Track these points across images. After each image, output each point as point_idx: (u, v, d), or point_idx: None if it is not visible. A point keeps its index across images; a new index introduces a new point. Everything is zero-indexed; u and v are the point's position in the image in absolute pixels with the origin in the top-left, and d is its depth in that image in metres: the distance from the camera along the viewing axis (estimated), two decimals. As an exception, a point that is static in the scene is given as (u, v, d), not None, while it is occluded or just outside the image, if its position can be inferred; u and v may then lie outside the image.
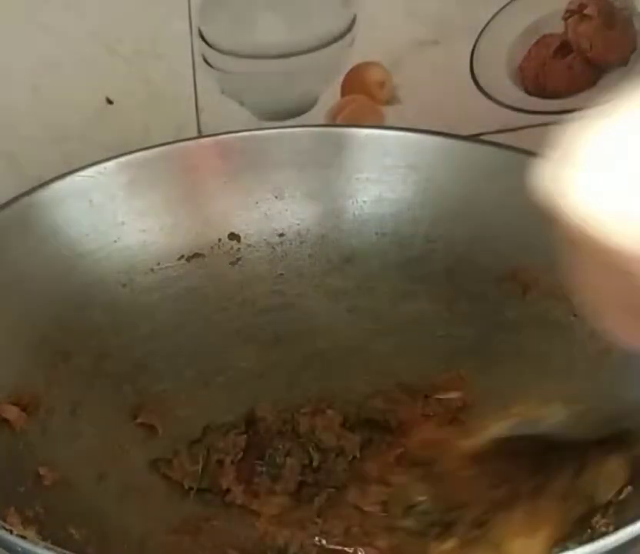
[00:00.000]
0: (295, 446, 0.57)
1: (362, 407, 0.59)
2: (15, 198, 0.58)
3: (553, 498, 0.48)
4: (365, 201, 0.63)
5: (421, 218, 0.62)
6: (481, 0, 0.70)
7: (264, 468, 0.57)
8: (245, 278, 0.63)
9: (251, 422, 0.59)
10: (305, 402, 0.60)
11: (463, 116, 0.70)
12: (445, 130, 0.63)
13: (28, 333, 0.56)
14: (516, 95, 0.74)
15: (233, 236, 0.63)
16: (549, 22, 0.72)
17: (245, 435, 0.58)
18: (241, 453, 0.57)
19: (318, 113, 0.71)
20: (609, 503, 0.48)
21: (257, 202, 0.63)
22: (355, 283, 0.63)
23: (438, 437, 0.55)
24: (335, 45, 0.69)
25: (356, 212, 0.63)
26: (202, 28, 0.67)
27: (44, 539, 0.46)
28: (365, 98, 0.72)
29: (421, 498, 0.52)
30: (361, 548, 0.53)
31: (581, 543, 0.41)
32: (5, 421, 0.52)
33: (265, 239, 0.63)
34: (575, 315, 0.58)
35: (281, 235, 0.63)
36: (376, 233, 0.63)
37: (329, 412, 0.59)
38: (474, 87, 0.72)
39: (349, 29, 0.69)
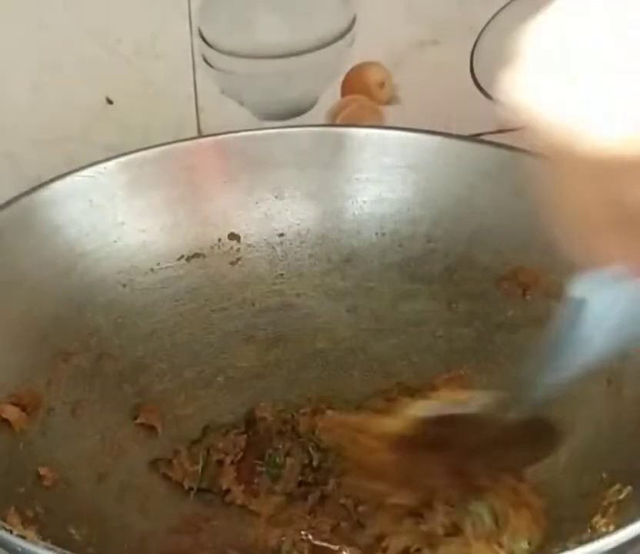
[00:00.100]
0: (295, 446, 0.57)
1: (362, 407, 0.59)
2: (15, 198, 0.58)
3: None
4: (364, 201, 0.63)
5: (421, 218, 0.62)
6: (481, 0, 0.70)
7: (264, 468, 0.57)
8: (244, 278, 0.63)
9: (251, 422, 0.59)
10: (304, 402, 0.60)
11: (463, 116, 0.70)
12: (445, 130, 0.63)
13: (28, 333, 0.56)
14: (516, 95, 0.73)
15: (233, 236, 0.63)
16: (549, 22, 0.72)
17: (245, 435, 0.58)
18: (241, 453, 0.57)
19: (318, 113, 0.71)
20: (609, 503, 0.48)
21: (257, 202, 0.63)
22: (355, 283, 0.63)
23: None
24: (334, 45, 0.69)
25: (356, 212, 0.63)
26: (202, 28, 0.67)
27: (44, 539, 0.46)
28: (365, 98, 0.72)
29: None
30: (346, 548, 0.53)
31: (581, 543, 0.41)
32: (5, 421, 0.52)
33: (264, 239, 0.63)
34: (575, 315, 0.58)
35: (281, 235, 0.63)
36: (376, 233, 0.63)
37: (329, 412, 0.59)
38: (474, 87, 0.72)
39: (349, 29, 0.69)
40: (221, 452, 0.57)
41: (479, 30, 0.71)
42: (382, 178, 0.63)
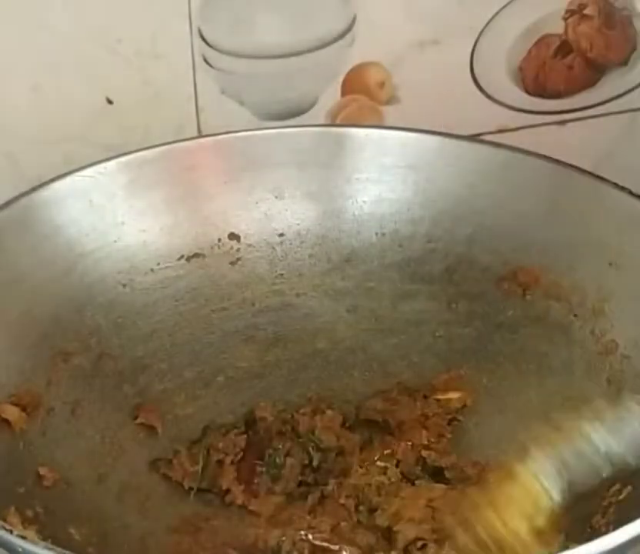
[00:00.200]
0: (295, 446, 0.57)
1: (362, 407, 0.59)
2: (15, 198, 0.58)
3: None
4: (364, 201, 0.63)
5: (421, 218, 0.62)
6: (481, 0, 0.70)
7: (264, 468, 0.57)
8: (244, 278, 0.63)
9: (251, 422, 0.59)
10: (304, 402, 0.60)
11: (463, 116, 0.70)
12: (445, 130, 0.63)
13: (28, 333, 0.56)
14: (516, 95, 0.74)
15: (233, 236, 0.63)
16: (549, 22, 0.72)
17: (245, 435, 0.58)
18: (241, 453, 0.57)
19: (318, 113, 0.71)
20: (609, 503, 0.48)
21: (257, 202, 0.63)
22: (355, 283, 0.63)
23: None
24: (334, 45, 0.69)
25: (356, 212, 0.63)
26: (202, 28, 0.67)
27: (44, 539, 0.45)
28: (365, 98, 0.72)
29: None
30: (346, 547, 0.53)
31: (581, 543, 0.41)
32: (5, 421, 0.52)
33: (265, 239, 0.63)
34: (575, 315, 0.58)
35: (281, 235, 0.63)
36: (376, 233, 0.63)
37: (329, 412, 0.59)
38: (474, 87, 0.72)
39: (349, 29, 0.69)
40: (221, 452, 0.57)
41: (479, 30, 0.71)
42: (382, 178, 0.63)
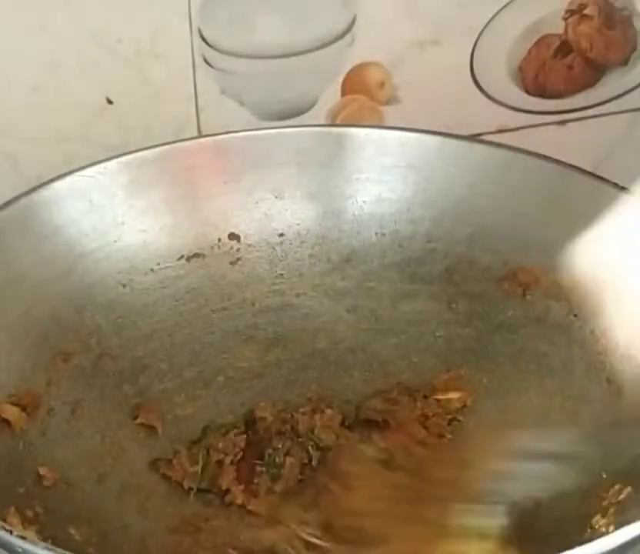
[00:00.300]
0: (295, 446, 0.57)
1: (362, 407, 0.59)
2: (15, 198, 0.58)
3: None
4: (364, 201, 0.63)
5: (421, 218, 0.62)
6: (481, 0, 0.70)
7: (263, 468, 0.57)
8: (245, 278, 0.63)
9: (250, 422, 0.59)
10: (304, 402, 0.60)
11: (463, 116, 0.70)
12: (445, 130, 0.63)
13: (28, 333, 0.56)
14: (516, 95, 0.74)
15: (233, 236, 0.63)
16: (549, 22, 0.72)
17: (245, 435, 0.58)
18: (241, 453, 0.57)
19: (318, 113, 0.71)
20: (609, 503, 0.48)
21: (257, 202, 0.63)
22: (355, 283, 0.63)
23: None
24: (334, 45, 0.69)
25: (356, 212, 0.63)
26: (202, 28, 0.67)
27: (44, 539, 0.46)
28: (365, 98, 0.72)
29: None
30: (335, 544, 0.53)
31: (581, 543, 0.41)
32: (5, 421, 0.52)
33: (265, 239, 0.63)
34: (575, 315, 0.58)
35: (281, 235, 0.63)
36: (376, 233, 0.63)
37: (328, 411, 0.59)
38: (474, 87, 0.72)
39: (349, 29, 0.69)
40: (221, 452, 0.57)
41: (479, 30, 0.71)
42: (382, 178, 0.63)
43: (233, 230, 0.63)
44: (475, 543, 0.48)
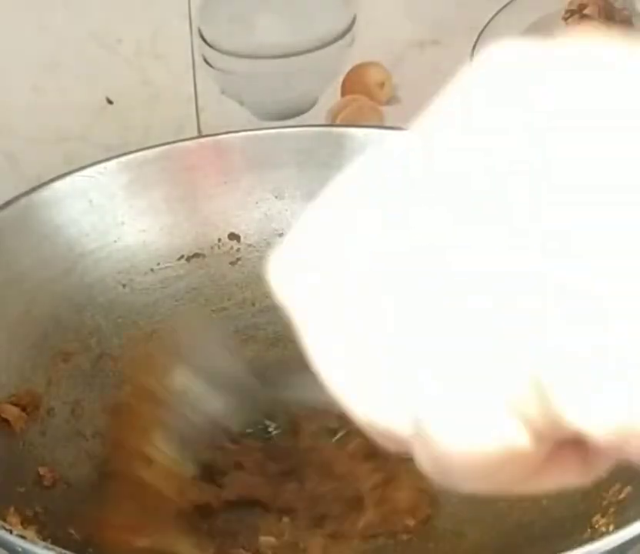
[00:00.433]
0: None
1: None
2: (15, 198, 0.58)
3: None
4: (364, 201, 0.63)
5: (421, 218, 0.62)
6: (481, 0, 0.70)
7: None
8: (244, 278, 0.63)
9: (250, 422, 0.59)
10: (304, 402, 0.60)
11: (463, 116, 0.70)
12: (445, 130, 0.63)
13: (28, 333, 0.56)
14: (516, 95, 0.74)
15: (233, 236, 0.63)
16: (549, 22, 0.72)
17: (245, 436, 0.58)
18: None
19: (318, 113, 0.71)
20: (609, 503, 0.48)
21: (257, 202, 0.63)
22: (355, 283, 0.63)
23: None
24: (334, 45, 0.69)
25: (356, 212, 0.63)
26: (202, 28, 0.67)
27: (43, 539, 0.45)
28: (365, 98, 0.72)
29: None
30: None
31: (581, 543, 0.41)
32: (5, 421, 0.52)
33: (265, 239, 0.63)
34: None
35: (281, 235, 0.63)
36: (376, 233, 0.63)
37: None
38: (474, 87, 0.72)
39: (349, 29, 0.69)
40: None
41: (479, 30, 0.71)
42: (382, 178, 0.63)
43: (233, 230, 0.63)
44: None
